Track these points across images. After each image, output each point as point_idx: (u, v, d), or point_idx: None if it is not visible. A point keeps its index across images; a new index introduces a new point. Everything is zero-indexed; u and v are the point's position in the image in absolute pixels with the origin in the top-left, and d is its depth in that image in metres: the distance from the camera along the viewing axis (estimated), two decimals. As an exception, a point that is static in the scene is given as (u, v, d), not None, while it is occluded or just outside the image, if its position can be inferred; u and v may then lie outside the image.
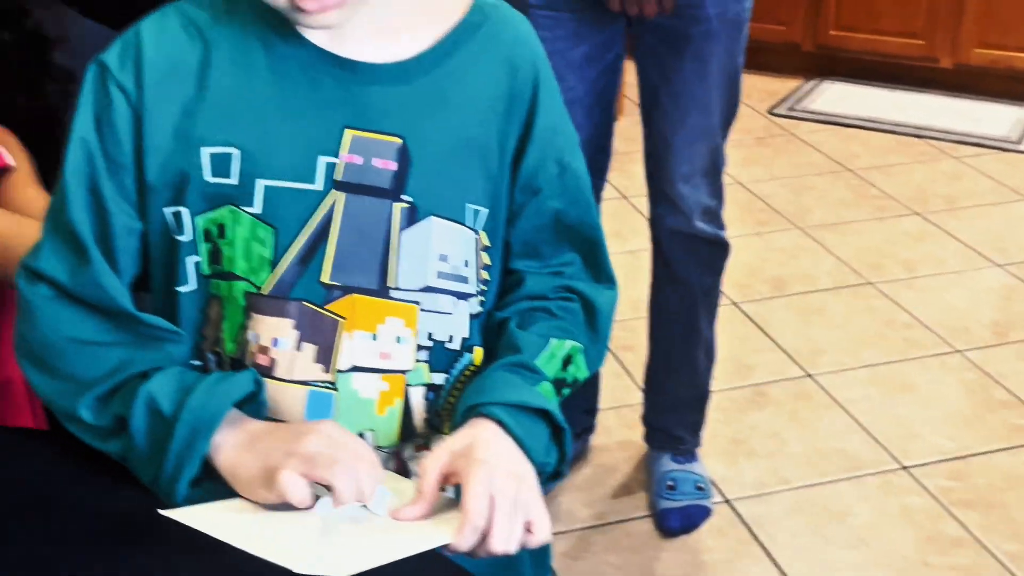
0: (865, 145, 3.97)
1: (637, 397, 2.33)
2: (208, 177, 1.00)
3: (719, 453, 2.36)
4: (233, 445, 0.95)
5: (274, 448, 0.93)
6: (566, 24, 1.90)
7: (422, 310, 1.03)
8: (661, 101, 1.98)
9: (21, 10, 1.41)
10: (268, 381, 1.01)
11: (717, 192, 2.08)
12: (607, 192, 3.37)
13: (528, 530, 0.93)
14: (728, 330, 2.77)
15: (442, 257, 1.03)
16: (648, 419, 2.30)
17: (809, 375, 2.65)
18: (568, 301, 1.10)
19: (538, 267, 1.12)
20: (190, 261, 1.02)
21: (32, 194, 1.47)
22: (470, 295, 1.07)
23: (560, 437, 1.02)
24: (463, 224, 1.04)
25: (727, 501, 2.25)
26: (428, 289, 1.03)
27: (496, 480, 0.92)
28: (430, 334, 1.05)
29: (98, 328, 0.99)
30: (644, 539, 2.17)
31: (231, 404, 0.96)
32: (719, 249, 2.12)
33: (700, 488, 2.22)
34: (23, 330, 1.01)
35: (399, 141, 1.01)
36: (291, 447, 0.92)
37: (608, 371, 2.54)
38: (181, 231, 1.01)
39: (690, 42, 1.91)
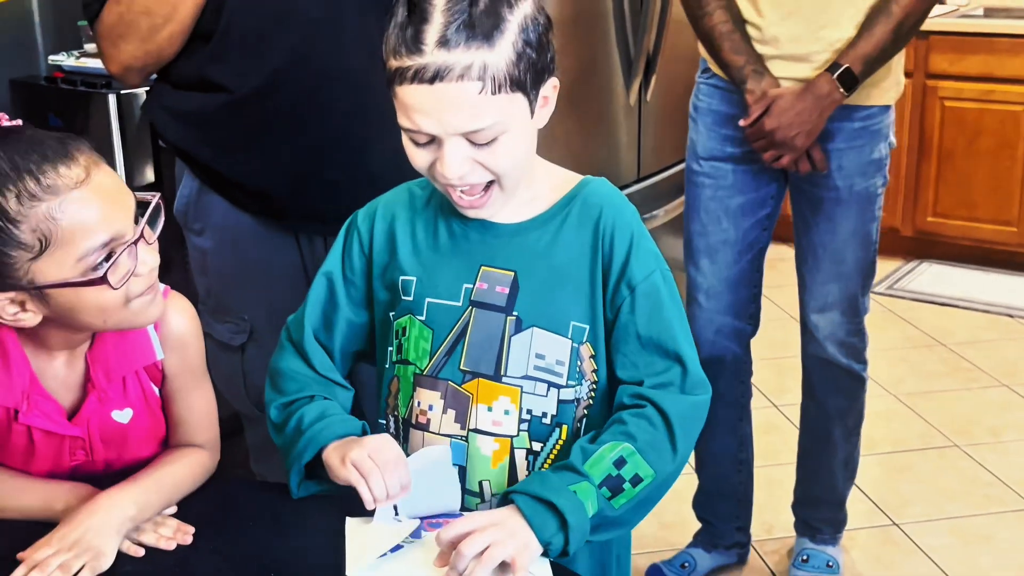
0: (959, 322, 4.08)
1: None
2: (401, 295, 1.39)
3: (808, 590, 2.48)
4: (332, 448, 1.34)
5: (346, 451, 1.31)
6: (727, 176, 2.27)
7: (523, 392, 1.36)
8: (803, 249, 2.32)
9: None
10: (426, 434, 1.38)
11: (855, 331, 2.33)
12: (775, 312, 3.66)
13: (511, 565, 1.21)
14: (821, 481, 3.00)
15: (539, 356, 1.36)
16: (794, 508, 2.58)
17: (895, 524, 2.79)
18: (639, 408, 1.33)
19: (632, 376, 1.36)
20: (388, 351, 1.43)
21: (191, 391, 1.44)
22: (561, 386, 1.36)
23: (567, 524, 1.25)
24: (561, 335, 1.36)
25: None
26: (527, 377, 1.36)
27: (488, 521, 1.23)
28: (529, 410, 1.36)
29: (300, 366, 1.44)
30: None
31: (335, 439, 1.35)
32: (854, 380, 2.38)
33: (829, 566, 2.48)
34: (272, 357, 1.48)
35: (512, 274, 1.37)
36: (350, 453, 1.30)
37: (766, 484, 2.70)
38: (391, 329, 1.42)
39: (823, 205, 2.25)
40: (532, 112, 1.31)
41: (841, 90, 2.10)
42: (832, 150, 2.20)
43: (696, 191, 2.30)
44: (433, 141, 1.28)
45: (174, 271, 1.60)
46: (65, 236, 1.20)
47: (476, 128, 1.25)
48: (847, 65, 2.09)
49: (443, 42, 1.22)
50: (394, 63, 1.25)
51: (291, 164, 1.77)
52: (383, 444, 1.32)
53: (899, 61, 2.22)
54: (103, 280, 1.22)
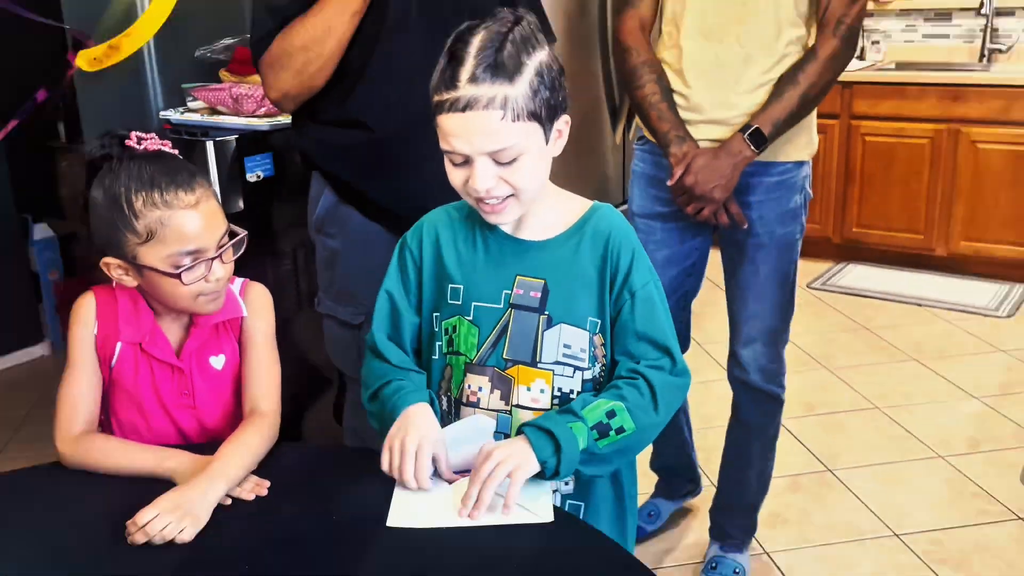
0: (879, 311, 4.19)
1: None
2: (448, 300, 1.45)
3: (762, 522, 2.58)
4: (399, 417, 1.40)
5: (395, 428, 1.36)
6: (655, 232, 2.22)
7: (555, 375, 1.41)
8: (731, 289, 2.26)
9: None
10: (476, 409, 1.43)
11: (775, 358, 2.27)
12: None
13: (511, 478, 1.27)
14: (773, 439, 3.11)
15: (566, 346, 1.41)
16: (711, 514, 2.55)
17: (830, 470, 2.94)
18: (633, 380, 1.39)
19: (628, 360, 1.41)
20: (437, 345, 1.48)
21: (261, 354, 1.52)
22: (584, 368, 1.42)
23: (560, 449, 1.31)
24: (582, 328, 1.41)
25: (767, 553, 2.52)
26: (557, 363, 1.41)
27: (499, 446, 1.31)
28: (560, 388, 1.41)
29: (379, 365, 1.47)
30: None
31: (406, 407, 1.38)
32: (772, 400, 2.32)
33: (736, 572, 2.41)
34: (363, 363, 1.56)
35: (542, 282, 1.41)
36: (393, 435, 1.34)
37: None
38: (438, 327, 1.48)
39: (746, 250, 2.19)
40: (547, 140, 1.36)
41: (752, 148, 2.02)
42: (753, 202, 2.14)
43: None
44: (466, 162, 1.33)
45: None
46: (164, 237, 1.40)
47: (499, 148, 1.31)
48: (757, 126, 2.02)
49: (473, 79, 1.29)
50: (436, 98, 1.33)
51: (415, 188, 1.79)
52: (422, 432, 1.34)
53: (812, 122, 2.17)
54: (178, 276, 1.42)
